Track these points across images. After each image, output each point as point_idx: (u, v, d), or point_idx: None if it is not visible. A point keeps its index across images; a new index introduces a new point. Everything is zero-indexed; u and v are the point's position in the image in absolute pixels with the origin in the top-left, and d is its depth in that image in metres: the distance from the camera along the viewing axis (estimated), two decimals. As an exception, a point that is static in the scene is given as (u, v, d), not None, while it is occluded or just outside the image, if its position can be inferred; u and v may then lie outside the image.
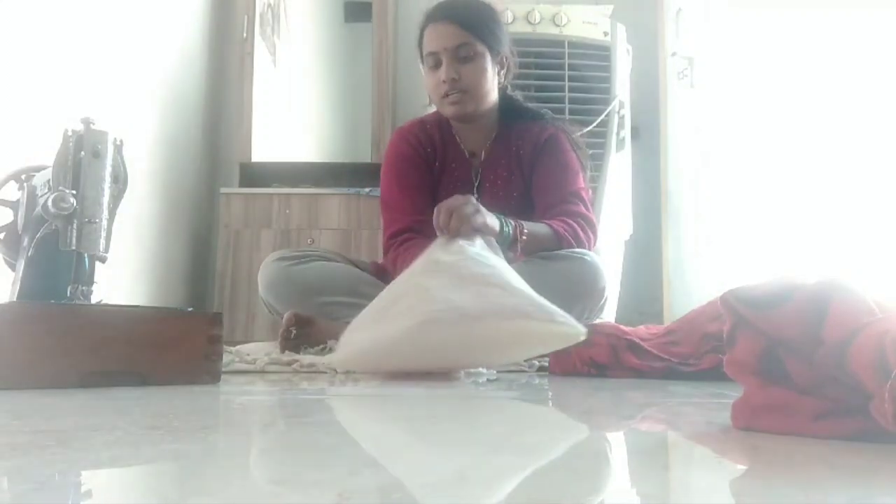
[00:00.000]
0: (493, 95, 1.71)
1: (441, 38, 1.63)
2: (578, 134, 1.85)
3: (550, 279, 1.47)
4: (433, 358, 1.17)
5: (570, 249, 1.58)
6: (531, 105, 1.81)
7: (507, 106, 1.76)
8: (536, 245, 1.53)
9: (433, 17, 1.67)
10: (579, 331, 1.14)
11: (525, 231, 1.48)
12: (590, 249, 1.62)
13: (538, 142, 1.71)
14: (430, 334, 1.11)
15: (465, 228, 1.30)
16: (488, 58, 1.66)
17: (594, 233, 1.66)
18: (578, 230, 1.61)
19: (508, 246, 1.46)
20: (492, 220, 1.40)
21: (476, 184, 1.71)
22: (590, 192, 1.75)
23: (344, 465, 0.48)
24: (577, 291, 1.53)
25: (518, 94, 1.81)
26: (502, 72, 1.71)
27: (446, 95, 1.65)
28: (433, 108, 1.81)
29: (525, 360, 1.40)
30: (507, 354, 1.24)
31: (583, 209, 1.66)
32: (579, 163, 1.72)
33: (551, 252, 1.57)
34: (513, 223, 1.46)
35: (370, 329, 1.19)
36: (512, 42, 1.75)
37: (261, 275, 1.72)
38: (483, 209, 1.36)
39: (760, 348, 0.59)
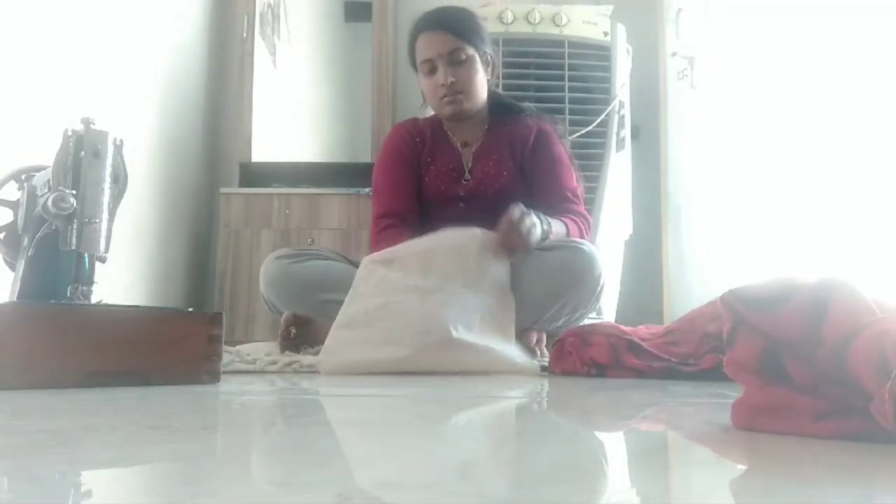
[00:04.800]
0: (484, 93, 1.83)
1: (435, 46, 1.75)
2: (577, 135, 1.95)
3: (547, 268, 1.58)
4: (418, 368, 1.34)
5: (567, 239, 1.68)
6: (513, 102, 1.95)
7: (495, 102, 1.89)
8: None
9: (423, 26, 1.78)
10: (534, 368, 1.37)
11: (552, 232, 1.65)
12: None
13: (530, 135, 1.84)
14: (419, 362, 1.32)
15: (521, 247, 1.54)
16: (478, 59, 1.78)
17: (590, 230, 1.84)
18: (584, 230, 1.77)
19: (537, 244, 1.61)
20: (539, 232, 1.59)
21: (469, 168, 1.82)
22: (581, 186, 1.89)
23: (344, 465, 0.48)
24: (573, 279, 1.59)
25: (500, 91, 1.96)
26: (488, 69, 1.83)
27: (444, 97, 1.77)
28: (428, 109, 1.93)
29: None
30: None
31: (583, 209, 1.82)
32: (567, 154, 1.87)
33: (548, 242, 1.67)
34: (545, 228, 1.62)
35: (360, 335, 1.37)
36: (493, 42, 1.88)
37: (262, 273, 1.74)
38: (536, 221, 1.57)
39: (760, 348, 0.59)
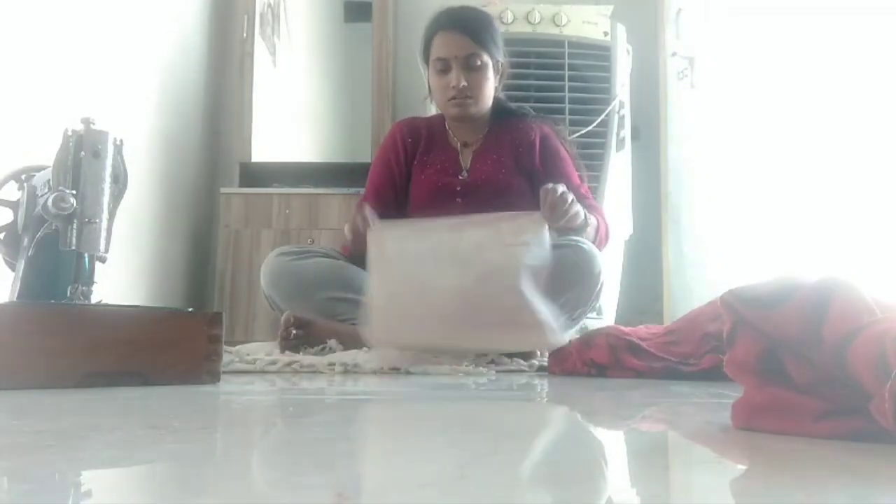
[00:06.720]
0: (491, 99, 1.85)
1: (452, 47, 1.76)
2: (577, 135, 2.04)
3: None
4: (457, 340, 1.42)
5: (567, 238, 1.66)
6: (516, 106, 1.96)
7: (497, 105, 1.90)
8: (586, 231, 1.70)
9: (443, 25, 1.78)
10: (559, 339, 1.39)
11: (588, 224, 1.67)
12: (610, 234, 1.81)
13: (533, 137, 1.85)
14: (465, 341, 1.41)
15: (558, 213, 1.51)
16: (490, 66, 1.80)
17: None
18: (608, 225, 1.80)
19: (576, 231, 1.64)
20: (582, 214, 1.60)
21: (467, 167, 1.83)
22: (585, 185, 1.90)
23: (344, 465, 0.48)
24: (573, 277, 1.59)
25: (502, 94, 1.95)
26: (497, 76, 1.85)
27: (452, 99, 1.78)
28: (432, 105, 1.94)
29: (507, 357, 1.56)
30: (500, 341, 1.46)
31: (598, 205, 1.86)
32: (569, 154, 1.90)
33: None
34: (583, 216, 1.63)
35: (403, 310, 1.41)
36: (506, 51, 1.88)
37: (263, 270, 1.75)
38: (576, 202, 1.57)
39: (760, 348, 0.59)
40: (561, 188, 1.52)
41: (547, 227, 1.49)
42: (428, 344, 1.41)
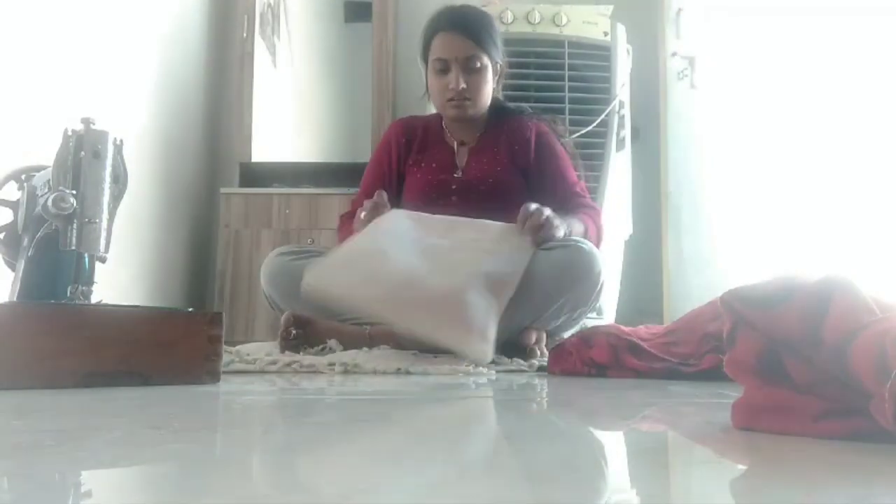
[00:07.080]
0: (489, 101, 1.86)
1: (452, 48, 1.76)
2: (577, 135, 2.06)
3: (547, 266, 1.57)
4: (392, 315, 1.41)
5: (567, 238, 1.67)
6: (514, 105, 1.98)
7: (494, 105, 1.91)
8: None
9: (444, 25, 1.79)
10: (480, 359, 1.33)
11: (572, 232, 1.68)
12: (602, 236, 1.80)
13: (529, 135, 1.87)
14: (387, 313, 1.39)
15: (545, 229, 1.55)
16: (490, 68, 1.80)
17: (600, 219, 1.85)
18: (599, 224, 1.80)
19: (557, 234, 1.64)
20: (561, 232, 1.61)
21: (463, 166, 1.85)
22: (582, 182, 1.91)
23: (344, 465, 0.48)
24: (573, 277, 1.59)
25: (501, 95, 1.98)
26: (495, 78, 1.86)
27: (451, 100, 1.79)
28: (428, 102, 1.96)
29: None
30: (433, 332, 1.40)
31: (593, 203, 1.87)
32: (566, 151, 1.91)
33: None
34: (567, 230, 1.65)
35: (346, 270, 1.43)
36: (505, 52, 1.89)
37: (263, 269, 1.75)
38: (561, 220, 1.61)
39: (760, 348, 0.59)
40: (546, 212, 1.56)
41: (533, 252, 1.53)
42: (354, 303, 1.44)
